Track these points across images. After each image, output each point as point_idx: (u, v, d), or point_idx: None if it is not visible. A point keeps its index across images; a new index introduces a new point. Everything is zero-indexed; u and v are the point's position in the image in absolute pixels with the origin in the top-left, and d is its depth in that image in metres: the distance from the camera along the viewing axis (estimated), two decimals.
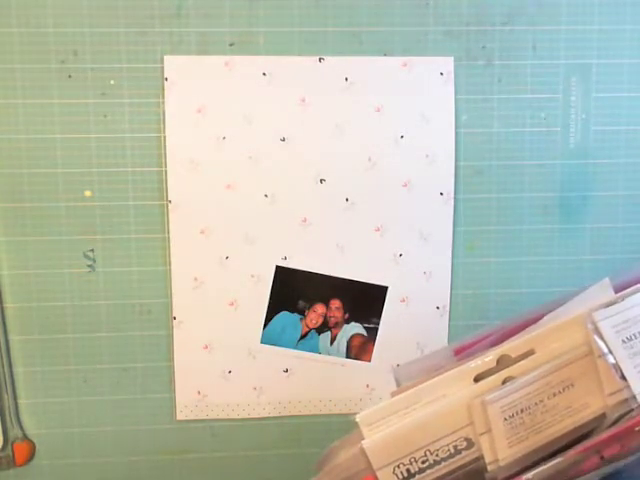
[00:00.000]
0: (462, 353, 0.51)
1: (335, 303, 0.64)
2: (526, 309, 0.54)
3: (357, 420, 0.48)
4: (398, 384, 0.52)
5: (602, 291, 0.49)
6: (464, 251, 0.65)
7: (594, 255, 0.65)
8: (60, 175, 0.62)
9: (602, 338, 0.46)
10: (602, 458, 0.45)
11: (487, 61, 0.62)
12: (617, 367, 0.45)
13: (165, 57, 0.61)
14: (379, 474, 0.46)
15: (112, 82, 0.61)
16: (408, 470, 0.46)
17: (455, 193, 0.64)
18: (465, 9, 0.62)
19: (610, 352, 0.45)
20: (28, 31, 0.60)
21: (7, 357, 0.63)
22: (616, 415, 0.46)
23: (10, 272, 0.62)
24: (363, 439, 0.47)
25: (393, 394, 0.49)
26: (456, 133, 0.63)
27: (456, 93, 0.62)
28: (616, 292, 0.49)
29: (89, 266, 0.63)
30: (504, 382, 0.47)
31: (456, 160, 0.63)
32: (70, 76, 0.61)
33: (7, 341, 0.63)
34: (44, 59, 0.60)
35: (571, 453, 0.45)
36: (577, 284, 0.64)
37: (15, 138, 0.61)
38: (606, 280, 0.50)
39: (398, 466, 0.46)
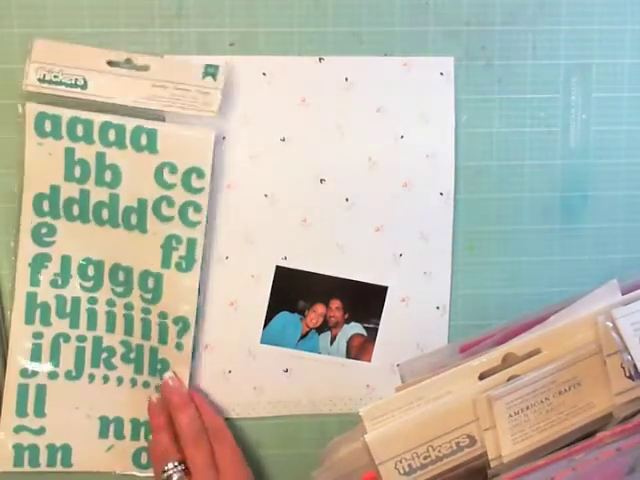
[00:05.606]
0: (468, 351, 0.51)
1: (335, 303, 0.64)
2: (529, 309, 0.54)
3: (361, 414, 0.48)
4: (403, 380, 0.52)
5: (609, 292, 0.49)
6: (464, 251, 0.65)
7: (595, 255, 0.65)
8: None
9: (620, 335, 0.46)
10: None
11: (487, 61, 0.62)
12: (632, 365, 0.45)
13: (165, 57, 0.61)
14: (381, 469, 0.46)
15: None
16: (410, 465, 0.46)
17: (455, 193, 0.63)
18: (465, 9, 0.62)
19: (627, 349, 0.45)
20: (28, 31, 0.59)
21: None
22: (624, 414, 0.46)
23: (10, 272, 0.62)
24: (365, 434, 0.47)
25: (398, 389, 0.49)
26: (456, 133, 0.63)
27: (456, 93, 0.62)
28: (622, 294, 0.49)
29: None
30: (509, 380, 0.47)
31: (456, 160, 0.63)
32: None
33: (7, 341, 0.63)
34: None
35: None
36: (577, 284, 0.65)
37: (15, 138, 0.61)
38: (614, 282, 0.50)
39: (400, 461, 0.46)
